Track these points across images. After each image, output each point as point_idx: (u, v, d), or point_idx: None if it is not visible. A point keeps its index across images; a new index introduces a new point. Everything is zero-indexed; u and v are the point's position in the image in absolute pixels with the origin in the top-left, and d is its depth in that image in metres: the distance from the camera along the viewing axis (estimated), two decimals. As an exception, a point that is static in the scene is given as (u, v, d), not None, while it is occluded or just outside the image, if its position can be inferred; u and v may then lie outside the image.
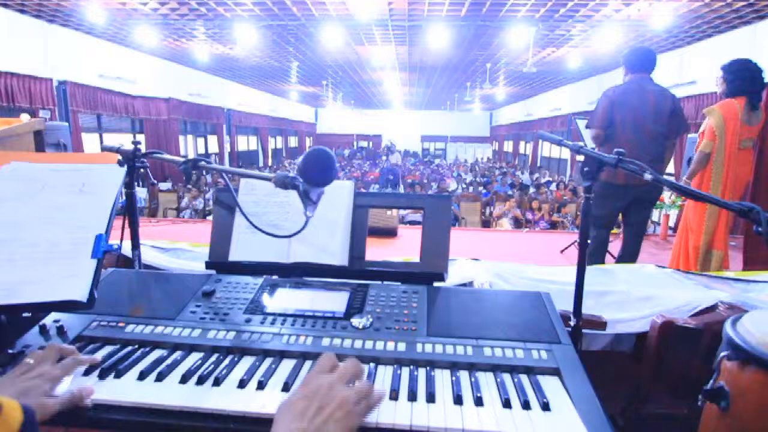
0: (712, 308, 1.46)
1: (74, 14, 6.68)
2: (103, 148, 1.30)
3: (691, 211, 3.20)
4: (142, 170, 1.26)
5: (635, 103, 2.95)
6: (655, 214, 6.52)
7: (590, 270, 1.76)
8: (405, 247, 4.04)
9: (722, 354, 0.91)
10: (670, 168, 7.68)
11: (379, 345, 0.88)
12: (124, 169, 1.01)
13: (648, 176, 1.04)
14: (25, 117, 3.37)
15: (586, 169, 1.14)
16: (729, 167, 2.99)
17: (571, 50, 8.72)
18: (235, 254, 1.18)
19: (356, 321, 0.95)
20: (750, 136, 3.02)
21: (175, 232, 4.23)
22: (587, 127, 3.18)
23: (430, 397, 0.74)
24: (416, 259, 1.17)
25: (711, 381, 0.92)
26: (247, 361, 0.84)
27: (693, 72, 7.34)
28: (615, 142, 2.94)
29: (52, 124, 3.99)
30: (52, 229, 0.89)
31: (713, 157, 3.01)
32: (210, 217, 7.41)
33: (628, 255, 3.15)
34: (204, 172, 5.80)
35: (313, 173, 0.83)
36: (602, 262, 3.22)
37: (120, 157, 1.21)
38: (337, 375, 0.65)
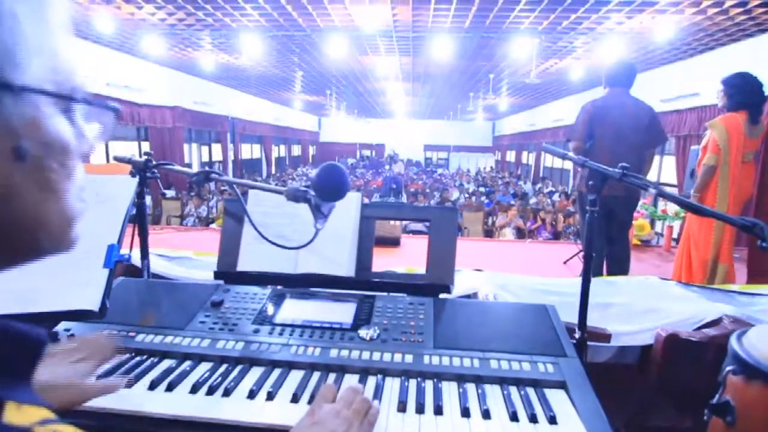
0: (716, 322, 1.46)
1: (82, 24, 6.77)
2: (115, 158, 1.33)
3: (696, 224, 3.17)
4: (151, 180, 1.27)
5: (614, 116, 3.02)
6: (659, 226, 6.50)
7: (594, 282, 1.76)
8: (408, 256, 4.04)
9: (728, 368, 0.92)
10: (673, 179, 7.68)
11: (387, 357, 0.89)
12: (137, 179, 1.03)
13: (652, 190, 1.06)
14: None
15: (591, 182, 1.15)
16: (733, 181, 2.98)
17: (573, 62, 8.76)
18: (244, 264, 1.19)
19: (363, 332, 0.96)
20: (752, 149, 3.02)
21: (179, 240, 4.25)
22: (567, 140, 3.24)
23: (438, 410, 0.75)
24: (419, 269, 1.18)
25: (717, 395, 0.92)
26: (256, 372, 0.85)
27: (696, 84, 7.36)
28: (596, 155, 2.98)
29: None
30: (65, 239, 0.90)
31: (718, 171, 3.00)
32: (213, 225, 7.45)
33: (621, 267, 3.16)
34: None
35: (327, 189, 0.84)
36: (600, 272, 3.23)
37: (132, 168, 1.23)
38: (340, 403, 0.67)
